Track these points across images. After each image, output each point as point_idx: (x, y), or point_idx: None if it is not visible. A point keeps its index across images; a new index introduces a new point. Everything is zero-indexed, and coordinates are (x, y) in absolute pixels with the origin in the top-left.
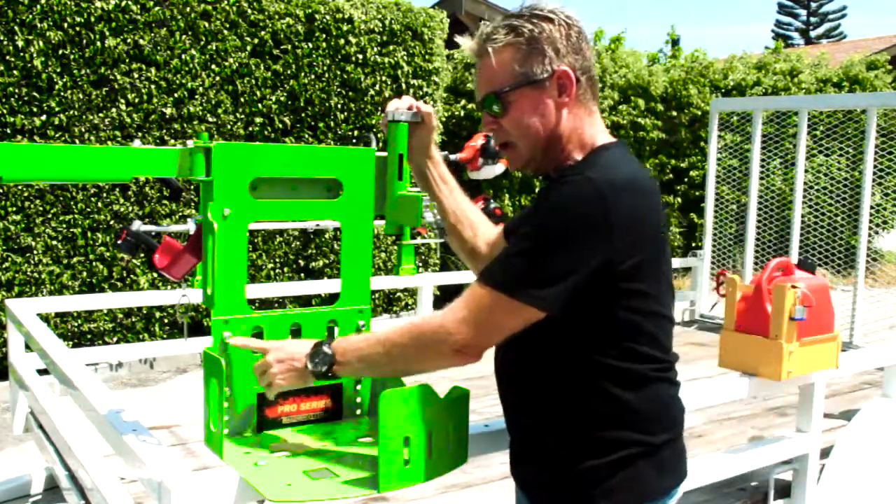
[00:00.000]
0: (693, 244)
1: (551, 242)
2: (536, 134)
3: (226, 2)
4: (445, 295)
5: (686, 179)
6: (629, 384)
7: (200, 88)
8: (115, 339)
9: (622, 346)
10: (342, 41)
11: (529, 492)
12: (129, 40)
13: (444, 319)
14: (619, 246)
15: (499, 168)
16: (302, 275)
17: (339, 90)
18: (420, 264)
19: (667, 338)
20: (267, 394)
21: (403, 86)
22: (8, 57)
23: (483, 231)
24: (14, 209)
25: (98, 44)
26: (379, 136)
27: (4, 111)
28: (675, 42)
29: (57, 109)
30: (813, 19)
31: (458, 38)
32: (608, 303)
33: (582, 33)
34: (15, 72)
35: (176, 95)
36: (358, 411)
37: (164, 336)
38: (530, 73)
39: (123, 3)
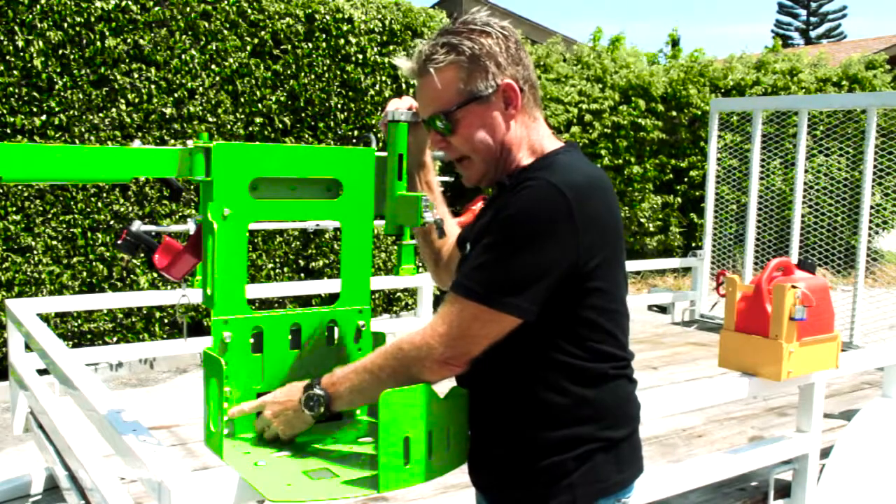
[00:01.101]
0: (693, 244)
1: (520, 248)
2: (487, 148)
3: (226, 2)
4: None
5: (686, 179)
6: (591, 382)
7: (200, 88)
8: (115, 339)
9: (585, 345)
10: (342, 41)
11: (490, 493)
12: (129, 40)
13: (425, 335)
14: (583, 246)
15: None
16: (302, 275)
17: (339, 90)
18: (420, 264)
19: (624, 335)
20: (282, 437)
21: (403, 86)
22: (8, 57)
23: (451, 241)
24: (14, 209)
25: (98, 44)
26: (379, 136)
27: (4, 111)
28: (675, 42)
29: (57, 109)
30: (813, 19)
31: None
32: (572, 303)
33: (518, 43)
34: (15, 72)
35: (176, 95)
36: (358, 411)
37: (164, 336)
38: (475, 89)
39: (123, 3)
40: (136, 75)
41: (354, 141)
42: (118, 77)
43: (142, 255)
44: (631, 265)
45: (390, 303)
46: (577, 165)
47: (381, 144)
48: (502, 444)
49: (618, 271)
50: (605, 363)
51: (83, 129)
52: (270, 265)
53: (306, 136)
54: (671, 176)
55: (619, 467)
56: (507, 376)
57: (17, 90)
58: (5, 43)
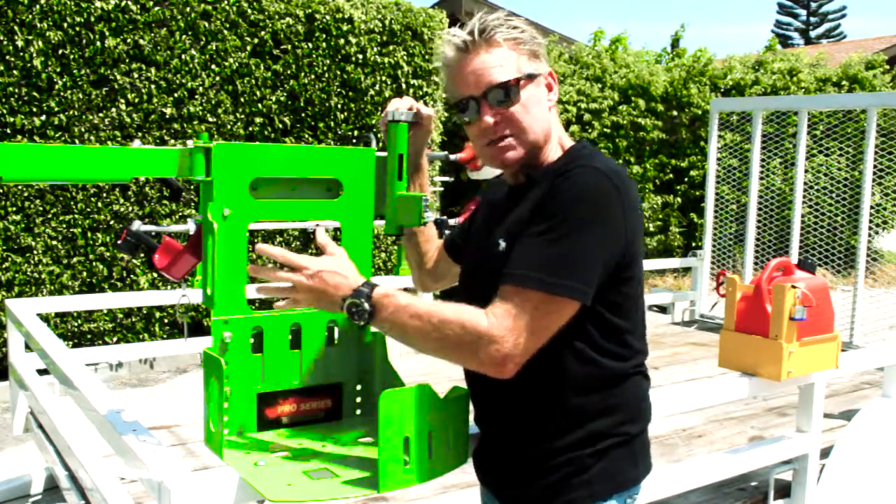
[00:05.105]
0: (693, 244)
1: (575, 231)
2: (541, 126)
3: (226, 2)
4: (445, 295)
5: (686, 179)
6: (613, 380)
7: (200, 88)
8: (115, 339)
9: (616, 337)
10: (342, 41)
11: (503, 490)
12: (129, 40)
13: (491, 326)
14: (628, 230)
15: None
16: None
17: (339, 90)
18: None
19: (645, 329)
20: (281, 302)
21: (403, 86)
22: (8, 57)
23: (436, 245)
24: (14, 209)
25: (98, 44)
26: (379, 136)
27: (4, 111)
28: (675, 43)
29: (57, 109)
30: (813, 19)
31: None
32: (610, 290)
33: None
34: (15, 72)
35: (176, 95)
36: (358, 411)
37: (164, 336)
38: (532, 70)
39: (123, 3)
40: (136, 75)
41: (354, 141)
42: (118, 77)
43: (142, 255)
44: None
45: None
46: (605, 157)
47: (381, 144)
48: (519, 441)
49: (641, 261)
50: (627, 361)
51: (83, 129)
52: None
53: (306, 136)
54: (671, 176)
55: (633, 462)
56: (530, 372)
57: (17, 90)
58: (5, 43)
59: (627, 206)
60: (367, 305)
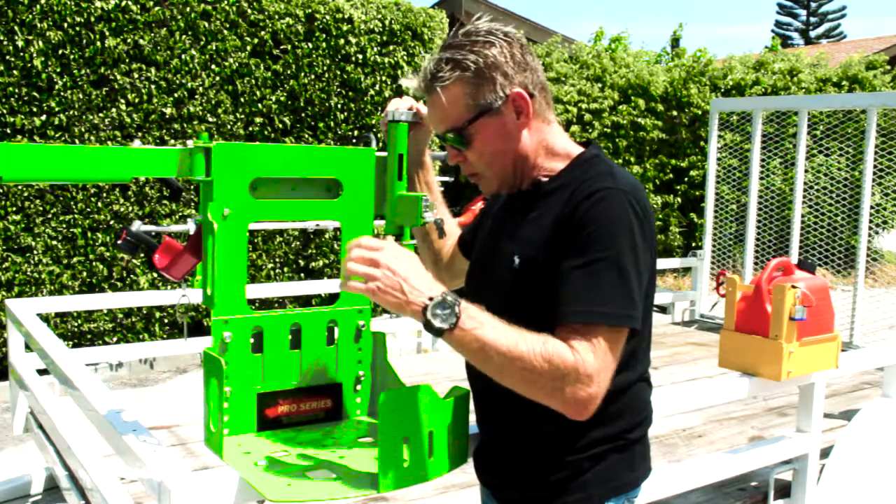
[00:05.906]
0: (693, 244)
1: (620, 261)
2: (503, 159)
3: (226, 2)
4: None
5: (686, 179)
6: (618, 390)
7: (200, 88)
8: (115, 339)
9: (628, 349)
10: (342, 41)
11: (502, 492)
12: (129, 40)
13: (577, 363)
14: (652, 248)
15: None
16: (302, 275)
17: (339, 90)
18: None
19: (651, 337)
20: (344, 286)
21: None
22: (8, 57)
23: (451, 242)
24: (14, 209)
25: (98, 44)
26: (379, 136)
27: (4, 111)
28: (675, 42)
29: (57, 109)
30: (813, 19)
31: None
32: None
33: (525, 47)
34: (15, 72)
35: (176, 95)
36: (358, 411)
37: (164, 336)
38: (484, 103)
39: (123, 3)
40: (136, 75)
41: (354, 141)
42: (118, 77)
43: (142, 255)
44: None
45: None
46: (622, 170)
47: (381, 144)
48: (519, 443)
49: (655, 274)
50: (633, 371)
51: (83, 129)
52: (270, 265)
53: (306, 136)
54: (671, 176)
55: (631, 467)
56: None
57: (17, 90)
58: (5, 43)
59: (649, 223)
60: (456, 309)
